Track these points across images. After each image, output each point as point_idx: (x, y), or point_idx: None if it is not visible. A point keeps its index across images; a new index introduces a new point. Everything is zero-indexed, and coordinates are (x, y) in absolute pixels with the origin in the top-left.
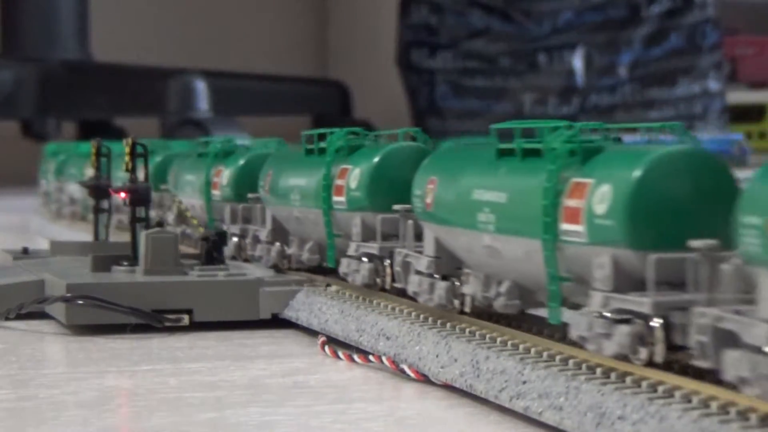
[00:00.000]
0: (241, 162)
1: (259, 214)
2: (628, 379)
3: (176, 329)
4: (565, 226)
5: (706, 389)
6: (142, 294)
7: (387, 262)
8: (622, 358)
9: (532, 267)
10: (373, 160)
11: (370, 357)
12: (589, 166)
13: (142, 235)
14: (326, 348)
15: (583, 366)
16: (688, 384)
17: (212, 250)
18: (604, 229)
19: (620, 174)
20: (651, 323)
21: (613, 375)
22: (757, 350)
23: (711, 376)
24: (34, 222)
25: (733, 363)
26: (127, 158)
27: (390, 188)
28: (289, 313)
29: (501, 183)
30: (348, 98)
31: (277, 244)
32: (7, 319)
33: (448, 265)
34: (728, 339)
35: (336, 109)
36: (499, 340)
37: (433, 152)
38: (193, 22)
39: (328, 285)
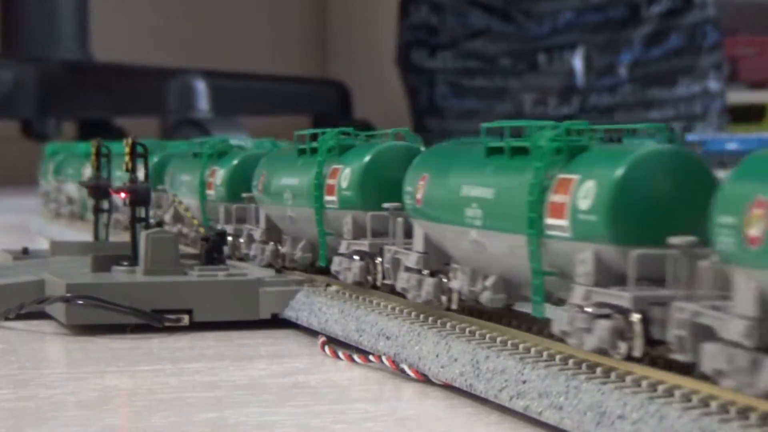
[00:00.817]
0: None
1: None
2: (628, 379)
3: (176, 329)
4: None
5: (706, 388)
6: (142, 294)
7: (378, 259)
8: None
9: (517, 261)
10: (363, 159)
11: (370, 357)
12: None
13: (142, 235)
14: (326, 348)
15: (583, 365)
16: (688, 383)
17: (212, 250)
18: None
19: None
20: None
21: (613, 374)
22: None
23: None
24: (34, 222)
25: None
26: (126, 158)
27: (380, 187)
28: (289, 313)
29: (489, 179)
30: (348, 98)
31: (271, 243)
32: (7, 319)
33: (437, 261)
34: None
35: (336, 109)
36: (498, 339)
37: (424, 150)
38: (193, 22)
39: (328, 285)
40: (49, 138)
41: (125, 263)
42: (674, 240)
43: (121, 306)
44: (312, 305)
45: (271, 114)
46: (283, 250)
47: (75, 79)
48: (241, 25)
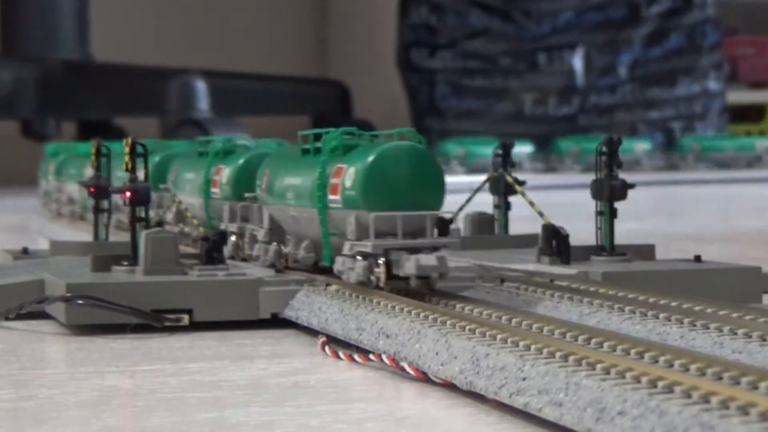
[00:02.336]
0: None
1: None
2: (628, 375)
3: (176, 329)
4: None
5: (706, 384)
6: (142, 294)
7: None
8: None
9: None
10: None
11: (370, 356)
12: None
13: (142, 235)
14: (326, 348)
15: (583, 362)
16: (688, 379)
17: (212, 250)
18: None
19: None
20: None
21: (613, 371)
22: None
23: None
24: (34, 222)
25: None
26: (126, 158)
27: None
28: (289, 313)
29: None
30: (348, 98)
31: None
32: (7, 319)
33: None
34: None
35: (336, 109)
36: (498, 337)
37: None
38: (193, 22)
39: (328, 284)
40: (49, 138)
41: (125, 263)
42: (247, 195)
43: (121, 306)
44: (312, 304)
45: (271, 114)
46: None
47: (75, 79)
48: (241, 25)
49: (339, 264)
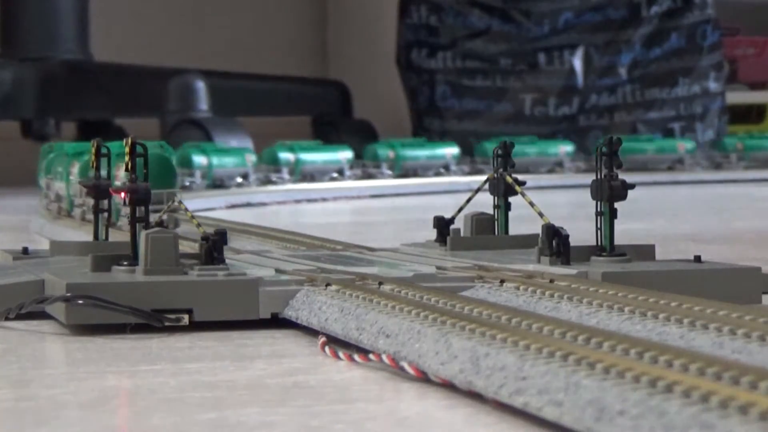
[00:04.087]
0: None
1: None
2: (628, 375)
3: (176, 329)
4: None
5: (706, 384)
6: (142, 294)
7: None
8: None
9: None
10: None
11: (370, 356)
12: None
13: (142, 235)
14: (326, 349)
15: (583, 362)
16: (688, 379)
17: (212, 250)
18: None
19: None
20: None
21: (613, 371)
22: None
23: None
24: (34, 222)
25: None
26: (126, 158)
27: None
28: (289, 313)
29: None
30: (348, 98)
31: None
32: (7, 319)
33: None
34: None
35: (336, 109)
36: (498, 337)
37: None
38: (193, 22)
39: (328, 284)
40: (49, 138)
41: (125, 263)
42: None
43: (121, 306)
44: (312, 304)
45: (271, 114)
46: None
47: (75, 79)
48: (241, 25)
49: (120, 221)
